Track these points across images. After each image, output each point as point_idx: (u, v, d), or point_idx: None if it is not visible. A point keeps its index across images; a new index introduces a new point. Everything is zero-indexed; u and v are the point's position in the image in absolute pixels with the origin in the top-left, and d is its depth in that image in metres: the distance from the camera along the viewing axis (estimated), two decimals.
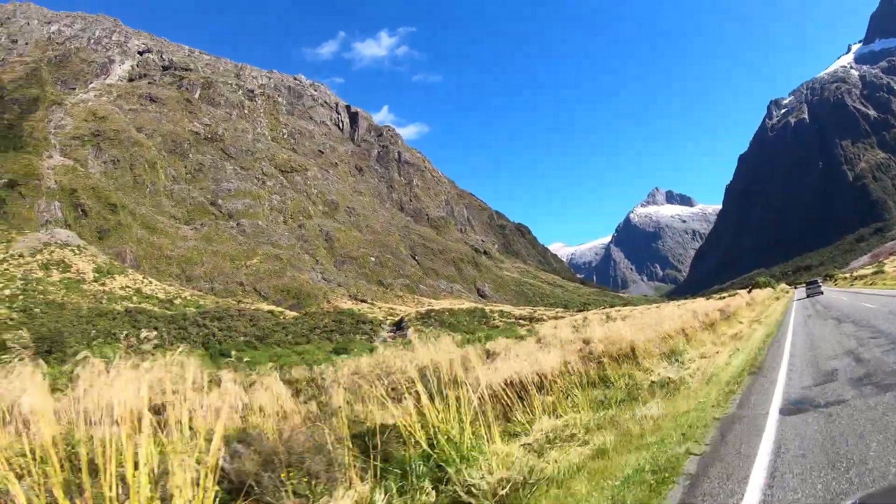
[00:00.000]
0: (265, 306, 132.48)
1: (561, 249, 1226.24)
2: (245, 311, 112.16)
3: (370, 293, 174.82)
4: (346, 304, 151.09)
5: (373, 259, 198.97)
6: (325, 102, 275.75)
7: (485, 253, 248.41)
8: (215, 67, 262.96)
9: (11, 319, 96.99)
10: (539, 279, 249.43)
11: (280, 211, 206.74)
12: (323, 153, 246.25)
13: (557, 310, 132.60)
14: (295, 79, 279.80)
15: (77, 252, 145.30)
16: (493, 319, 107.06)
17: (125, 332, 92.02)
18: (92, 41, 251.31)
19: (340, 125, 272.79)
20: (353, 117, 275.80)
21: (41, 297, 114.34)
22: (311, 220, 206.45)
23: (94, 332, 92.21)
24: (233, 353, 65.00)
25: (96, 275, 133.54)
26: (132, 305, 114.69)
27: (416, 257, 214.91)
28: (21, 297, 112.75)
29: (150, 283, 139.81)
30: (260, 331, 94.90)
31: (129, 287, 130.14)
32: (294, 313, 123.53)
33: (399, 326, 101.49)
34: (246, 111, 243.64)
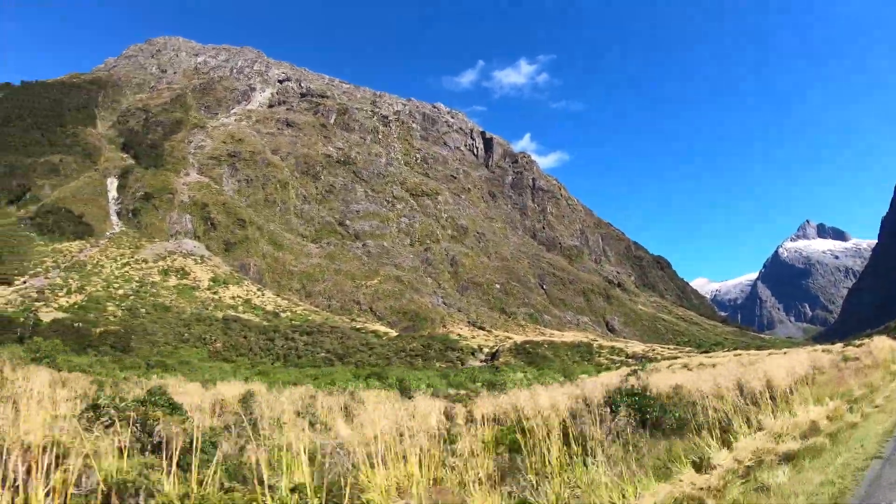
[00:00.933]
0: (375, 326, 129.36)
1: (705, 285, 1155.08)
2: (338, 328, 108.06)
3: (490, 320, 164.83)
4: (463, 330, 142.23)
5: (497, 286, 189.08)
6: (460, 129, 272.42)
7: (619, 285, 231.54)
8: (352, 95, 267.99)
9: (115, 316, 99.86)
10: (675, 315, 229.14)
11: (407, 233, 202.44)
12: (456, 178, 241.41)
13: (686, 348, 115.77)
14: (434, 107, 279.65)
15: (198, 261, 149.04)
16: (600, 356, 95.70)
17: (214, 338, 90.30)
18: (235, 70, 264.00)
19: (475, 151, 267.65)
20: (488, 143, 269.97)
21: (151, 299, 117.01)
22: (439, 244, 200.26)
23: (186, 334, 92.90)
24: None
25: (211, 283, 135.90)
26: (234, 314, 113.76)
27: (545, 286, 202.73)
28: (132, 297, 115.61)
29: (262, 294, 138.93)
30: (344, 349, 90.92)
31: (239, 297, 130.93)
32: (394, 334, 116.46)
33: (494, 356, 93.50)
34: (380, 136, 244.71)
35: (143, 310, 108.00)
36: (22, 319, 77.35)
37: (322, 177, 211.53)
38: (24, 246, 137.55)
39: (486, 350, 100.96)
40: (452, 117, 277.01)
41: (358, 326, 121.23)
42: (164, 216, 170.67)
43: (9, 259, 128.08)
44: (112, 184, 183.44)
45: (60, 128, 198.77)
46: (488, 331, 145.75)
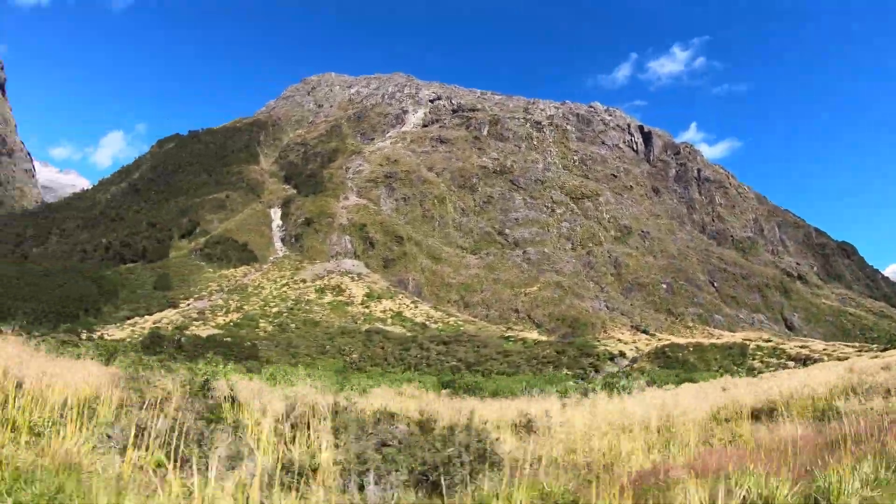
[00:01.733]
0: (528, 333, 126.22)
1: None
2: (477, 338, 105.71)
3: (655, 323, 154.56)
4: (624, 335, 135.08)
5: (664, 286, 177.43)
6: (617, 126, 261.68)
7: (799, 277, 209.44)
8: (504, 105, 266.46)
9: (265, 331, 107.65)
10: (863, 308, 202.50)
11: (568, 238, 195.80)
12: (616, 177, 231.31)
13: (871, 346, 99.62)
14: (590, 107, 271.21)
15: (355, 279, 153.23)
16: (755, 358, 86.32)
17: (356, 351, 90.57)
18: (386, 96, 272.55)
19: (634, 147, 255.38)
20: (647, 137, 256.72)
21: (303, 315, 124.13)
22: (601, 247, 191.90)
23: (328, 346, 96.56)
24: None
25: (365, 298, 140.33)
26: (381, 327, 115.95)
27: (715, 283, 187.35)
28: (285, 314, 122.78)
29: (416, 307, 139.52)
30: (476, 357, 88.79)
31: (390, 310, 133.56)
32: (543, 339, 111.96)
33: (635, 361, 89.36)
34: (534, 142, 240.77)
35: (293, 325, 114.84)
36: (175, 336, 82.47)
37: (479, 188, 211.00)
38: (193, 274, 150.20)
39: (630, 355, 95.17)
40: (609, 115, 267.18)
41: (508, 335, 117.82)
42: (324, 239, 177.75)
43: (178, 286, 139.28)
44: (275, 213, 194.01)
45: (226, 168, 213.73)
46: (651, 334, 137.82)
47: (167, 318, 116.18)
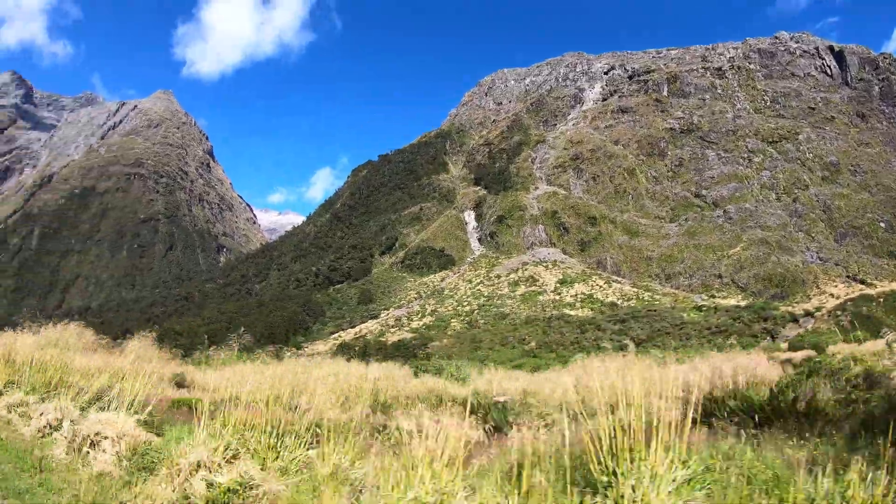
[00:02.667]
0: (725, 300, 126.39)
1: None
2: (655, 312, 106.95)
3: (874, 269, 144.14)
4: (838, 288, 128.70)
5: (882, 225, 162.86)
6: (805, 52, 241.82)
7: None
8: (681, 60, 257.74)
9: (454, 330, 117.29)
10: None
11: (771, 188, 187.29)
12: (814, 109, 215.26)
13: None
14: (775, 38, 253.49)
15: (548, 267, 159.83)
16: None
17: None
18: (559, 79, 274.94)
19: (828, 71, 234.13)
20: (839, 57, 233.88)
21: (494, 309, 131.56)
22: (807, 191, 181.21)
23: (510, 337, 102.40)
24: None
25: (557, 285, 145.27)
26: (565, 312, 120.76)
27: None
28: (476, 311, 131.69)
29: (609, 286, 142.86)
30: (649, 332, 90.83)
31: (582, 293, 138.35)
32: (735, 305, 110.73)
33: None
34: (719, 91, 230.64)
35: (482, 321, 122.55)
36: (357, 346, 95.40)
37: (668, 152, 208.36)
38: (395, 285, 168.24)
39: (818, 314, 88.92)
40: (795, 42, 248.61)
41: (701, 304, 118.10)
42: (517, 232, 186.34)
43: (380, 298, 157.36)
44: (469, 216, 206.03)
45: (416, 182, 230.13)
46: (870, 283, 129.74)
47: (367, 328, 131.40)
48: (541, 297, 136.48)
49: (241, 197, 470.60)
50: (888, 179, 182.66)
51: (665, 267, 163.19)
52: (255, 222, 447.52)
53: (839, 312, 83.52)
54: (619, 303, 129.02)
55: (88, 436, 8.30)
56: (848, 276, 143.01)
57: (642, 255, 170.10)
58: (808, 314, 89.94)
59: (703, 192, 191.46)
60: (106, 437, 8.24)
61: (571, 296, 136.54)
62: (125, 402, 9.47)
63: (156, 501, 6.84)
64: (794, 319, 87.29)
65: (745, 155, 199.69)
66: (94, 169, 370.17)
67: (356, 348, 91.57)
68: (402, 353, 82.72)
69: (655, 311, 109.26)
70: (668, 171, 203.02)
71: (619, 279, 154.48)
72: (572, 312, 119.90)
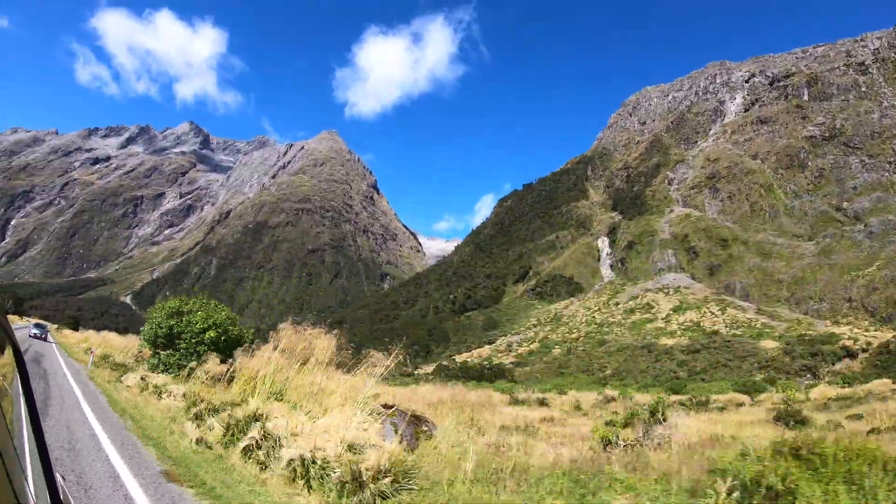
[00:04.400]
0: (839, 329, 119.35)
1: None
2: (729, 343, 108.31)
3: None
4: None
5: None
6: None
7: None
8: (825, 58, 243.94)
9: (551, 356, 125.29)
10: None
11: None
12: None
13: None
14: None
15: (669, 293, 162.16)
16: None
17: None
18: (699, 93, 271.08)
19: None
20: None
21: (599, 337, 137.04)
22: None
23: (593, 365, 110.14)
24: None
25: (671, 313, 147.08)
26: (659, 340, 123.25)
27: None
28: (582, 338, 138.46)
29: (722, 313, 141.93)
30: (709, 363, 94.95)
31: (690, 321, 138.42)
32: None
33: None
34: (863, 89, 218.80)
35: (582, 348, 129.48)
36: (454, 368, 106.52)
37: (809, 163, 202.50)
38: (523, 312, 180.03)
39: (864, 353, 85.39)
40: None
41: (800, 333, 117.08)
42: (646, 258, 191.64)
43: (504, 325, 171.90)
44: (603, 242, 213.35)
45: (555, 210, 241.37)
46: None
47: (479, 353, 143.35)
48: (649, 325, 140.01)
49: (406, 227, 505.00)
50: None
51: (796, 290, 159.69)
52: (419, 250, 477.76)
53: (883, 351, 79.13)
54: (724, 331, 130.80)
55: None
56: None
57: (773, 277, 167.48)
58: (863, 350, 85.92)
59: (845, 204, 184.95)
60: None
61: (678, 323, 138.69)
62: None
63: None
64: (851, 355, 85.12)
65: (893, 159, 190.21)
66: (266, 205, 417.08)
67: (452, 370, 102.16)
68: (486, 375, 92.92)
69: (730, 342, 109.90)
70: (809, 184, 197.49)
71: (743, 304, 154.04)
72: (670, 342, 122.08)
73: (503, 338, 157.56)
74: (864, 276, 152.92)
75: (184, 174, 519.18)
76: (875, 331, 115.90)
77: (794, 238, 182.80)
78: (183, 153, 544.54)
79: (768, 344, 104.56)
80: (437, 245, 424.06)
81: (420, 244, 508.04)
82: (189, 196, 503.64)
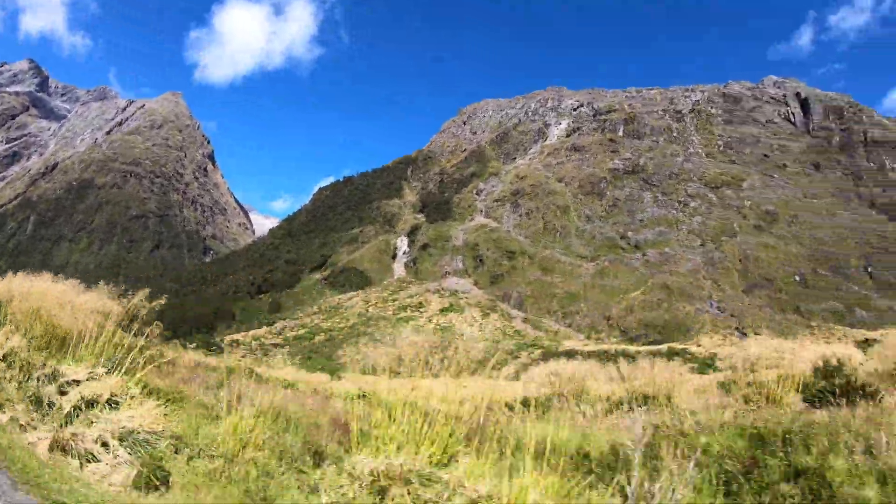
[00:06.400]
0: (582, 341, 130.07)
1: None
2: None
3: (771, 324, 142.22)
4: (713, 340, 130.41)
5: (797, 278, 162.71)
6: (772, 98, 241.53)
7: None
8: (650, 100, 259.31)
9: (310, 341, 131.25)
10: None
11: (698, 234, 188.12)
12: (768, 157, 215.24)
13: None
14: (742, 84, 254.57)
15: (445, 295, 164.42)
16: None
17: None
18: (529, 113, 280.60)
19: (792, 118, 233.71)
20: (805, 105, 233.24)
21: (360, 329, 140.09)
22: (734, 239, 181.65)
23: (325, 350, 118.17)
24: None
25: (437, 313, 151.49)
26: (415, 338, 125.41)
27: (871, 270, 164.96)
28: (346, 328, 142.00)
29: (482, 319, 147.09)
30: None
31: (449, 322, 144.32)
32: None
33: None
34: (675, 134, 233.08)
35: (340, 337, 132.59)
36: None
37: (607, 192, 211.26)
38: (311, 299, 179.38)
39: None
40: (765, 87, 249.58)
41: (546, 343, 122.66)
42: (437, 261, 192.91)
43: (289, 310, 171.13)
44: (403, 241, 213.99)
45: (368, 205, 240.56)
46: (753, 335, 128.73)
47: (253, 334, 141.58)
48: (413, 323, 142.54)
49: (238, 202, 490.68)
50: (824, 232, 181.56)
51: (566, 305, 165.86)
52: (248, 228, 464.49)
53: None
54: (469, 333, 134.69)
55: None
56: (737, 328, 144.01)
57: (549, 291, 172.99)
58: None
59: (630, 233, 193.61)
60: None
61: (436, 323, 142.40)
62: None
63: None
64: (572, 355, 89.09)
65: (683, 199, 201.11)
66: (95, 163, 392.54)
67: (212, 345, 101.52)
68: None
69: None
70: (602, 211, 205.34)
71: (511, 312, 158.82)
72: (415, 337, 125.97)
73: (283, 321, 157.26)
74: (626, 299, 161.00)
75: (13, 117, 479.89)
76: (611, 344, 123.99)
77: (577, 258, 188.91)
78: (17, 93, 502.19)
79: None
80: (271, 223, 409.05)
81: (250, 221, 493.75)
82: (17, 142, 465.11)
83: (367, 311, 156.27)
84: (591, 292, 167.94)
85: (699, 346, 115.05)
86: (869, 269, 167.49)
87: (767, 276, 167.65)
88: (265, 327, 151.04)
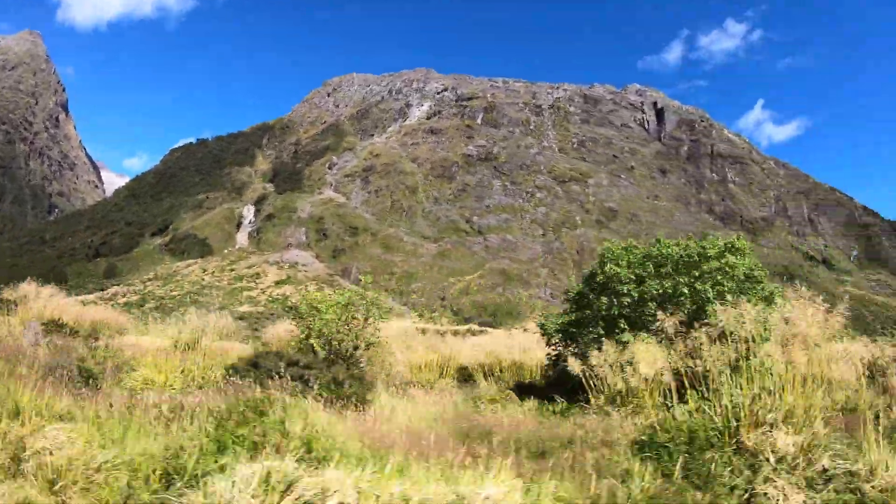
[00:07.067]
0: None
1: None
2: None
3: None
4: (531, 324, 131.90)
5: None
6: (630, 104, 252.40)
7: (823, 261, 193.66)
8: (514, 93, 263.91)
9: (139, 309, 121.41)
10: None
11: (541, 224, 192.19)
12: (617, 158, 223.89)
13: None
14: (625, 89, 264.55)
15: (284, 267, 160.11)
16: None
17: None
18: (393, 92, 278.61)
19: (646, 125, 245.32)
20: (660, 114, 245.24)
21: (194, 297, 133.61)
22: (574, 232, 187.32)
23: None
24: None
25: (271, 285, 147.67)
26: (245, 308, 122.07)
27: None
28: (177, 296, 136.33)
29: (316, 293, 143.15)
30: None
31: (281, 294, 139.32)
32: None
33: None
34: (532, 127, 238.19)
35: (171, 305, 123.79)
36: None
37: (458, 177, 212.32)
38: (149, 265, 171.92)
39: None
40: (627, 94, 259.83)
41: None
42: (280, 232, 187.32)
43: (124, 273, 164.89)
44: (249, 210, 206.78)
45: (219, 171, 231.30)
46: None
47: (83, 298, 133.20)
48: (245, 293, 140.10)
49: (89, 157, 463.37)
50: (661, 231, 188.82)
51: (403, 283, 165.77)
52: (97, 186, 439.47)
53: None
54: (295, 305, 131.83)
55: None
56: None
57: (388, 269, 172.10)
58: None
59: (475, 218, 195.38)
60: None
61: (268, 295, 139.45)
62: None
63: None
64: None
65: (530, 190, 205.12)
66: None
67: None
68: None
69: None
70: (451, 195, 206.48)
71: (349, 287, 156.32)
72: (246, 309, 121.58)
73: (117, 287, 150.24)
74: (463, 282, 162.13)
75: None
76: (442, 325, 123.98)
77: (421, 238, 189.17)
78: None
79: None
80: (124, 182, 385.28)
81: (101, 179, 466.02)
82: None
83: (203, 279, 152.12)
84: (429, 273, 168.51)
85: (525, 330, 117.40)
86: None
87: None
88: (98, 293, 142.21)
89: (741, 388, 8.36)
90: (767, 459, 6.97)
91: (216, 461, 6.32)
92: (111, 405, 8.63)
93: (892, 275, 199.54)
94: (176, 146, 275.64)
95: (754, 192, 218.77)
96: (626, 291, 14.32)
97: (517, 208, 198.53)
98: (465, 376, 20.97)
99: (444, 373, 21.26)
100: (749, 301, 10.82)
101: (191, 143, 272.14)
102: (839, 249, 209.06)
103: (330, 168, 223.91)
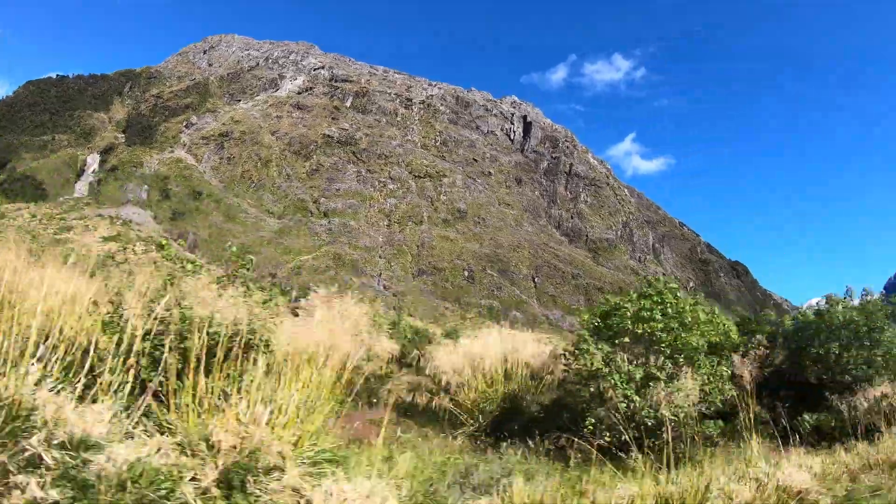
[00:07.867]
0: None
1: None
2: None
3: (428, 309, 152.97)
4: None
5: (465, 273, 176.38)
6: (500, 113, 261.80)
7: None
8: (389, 82, 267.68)
9: None
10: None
11: (388, 214, 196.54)
12: (476, 161, 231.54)
13: None
14: (481, 93, 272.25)
15: (115, 223, 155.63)
16: None
17: None
18: (270, 61, 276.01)
19: (512, 136, 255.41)
20: (528, 127, 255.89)
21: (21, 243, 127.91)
22: (419, 227, 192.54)
23: None
24: None
25: (100, 239, 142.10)
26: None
27: (537, 279, 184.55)
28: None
29: (142, 254, 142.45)
30: None
31: (104, 251, 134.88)
32: None
33: None
34: (399, 119, 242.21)
35: None
36: None
37: (314, 157, 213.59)
38: None
39: None
40: (501, 104, 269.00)
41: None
42: (121, 186, 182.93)
43: None
44: (94, 159, 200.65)
45: (71, 111, 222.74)
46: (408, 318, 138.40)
47: None
48: (67, 245, 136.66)
49: None
50: (505, 238, 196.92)
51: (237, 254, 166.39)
52: None
53: None
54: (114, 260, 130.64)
55: None
56: (393, 308, 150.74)
57: (225, 238, 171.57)
58: None
59: (323, 200, 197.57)
60: None
61: (89, 248, 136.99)
62: None
63: None
64: None
65: (383, 180, 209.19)
66: None
67: None
68: None
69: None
70: (304, 173, 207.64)
71: (182, 253, 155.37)
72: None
73: None
74: (297, 261, 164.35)
75: None
76: None
77: (265, 213, 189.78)
78: None
79: None
80: None
81: None
82: None
83: (28, 225, 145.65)
84: (265, 248, 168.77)
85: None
86: (535, 279, 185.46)
87: (438, 265, 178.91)
88: None
89: None
90: None
91: None
92: None
93: (725, 308, 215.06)
94: (34, 79, 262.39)
95: (603, 216, 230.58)
96: None
97: (367, 196, 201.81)
98: None
99: None
100: None
101: (48, 77, 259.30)
102: (677, 280, 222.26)
103: (187, 127, 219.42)
